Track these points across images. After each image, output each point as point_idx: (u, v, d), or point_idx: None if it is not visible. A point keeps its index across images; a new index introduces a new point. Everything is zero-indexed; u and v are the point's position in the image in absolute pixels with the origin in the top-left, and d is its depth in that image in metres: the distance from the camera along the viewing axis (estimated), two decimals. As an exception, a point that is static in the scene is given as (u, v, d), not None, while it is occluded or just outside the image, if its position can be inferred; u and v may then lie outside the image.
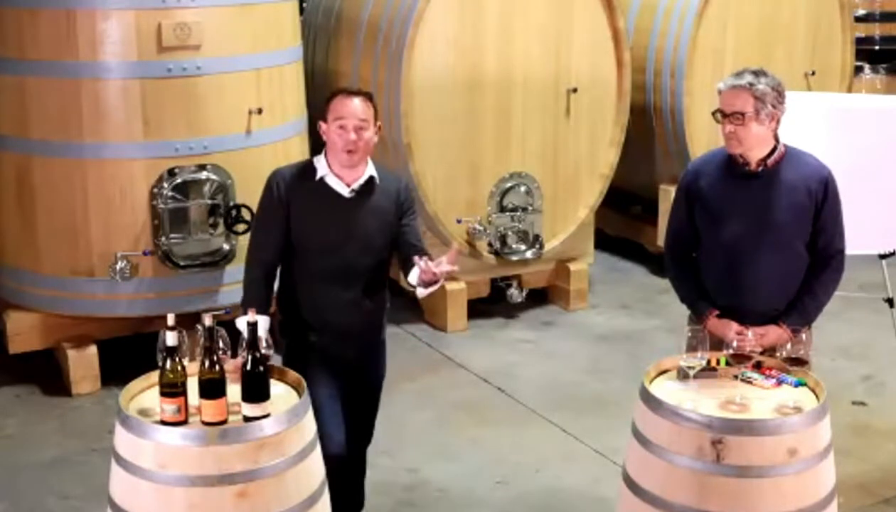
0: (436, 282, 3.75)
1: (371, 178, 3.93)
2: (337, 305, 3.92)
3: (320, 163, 3.93)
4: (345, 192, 3.89)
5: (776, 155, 3.93)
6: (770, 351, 3.84)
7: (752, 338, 3.77)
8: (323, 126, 3.90)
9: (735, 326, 3.89)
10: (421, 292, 3.84)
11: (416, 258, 3.78)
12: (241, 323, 3.44)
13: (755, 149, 3.89)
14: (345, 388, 4.06)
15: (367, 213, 3.92)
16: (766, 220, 3.92)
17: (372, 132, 3.87)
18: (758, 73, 3.84)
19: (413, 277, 3.86)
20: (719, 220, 3.98)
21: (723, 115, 3.86)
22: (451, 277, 6.65)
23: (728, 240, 3.96)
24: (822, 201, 3.92)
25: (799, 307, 3.98)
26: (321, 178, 3.90)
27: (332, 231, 3.88)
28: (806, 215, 3.93)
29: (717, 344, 3.80)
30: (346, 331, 3.95)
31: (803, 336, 3.77)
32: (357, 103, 3.84)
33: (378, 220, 3.94)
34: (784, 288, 3.99)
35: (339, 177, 3.89)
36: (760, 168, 3.93)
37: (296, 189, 3.91)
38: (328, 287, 3.91)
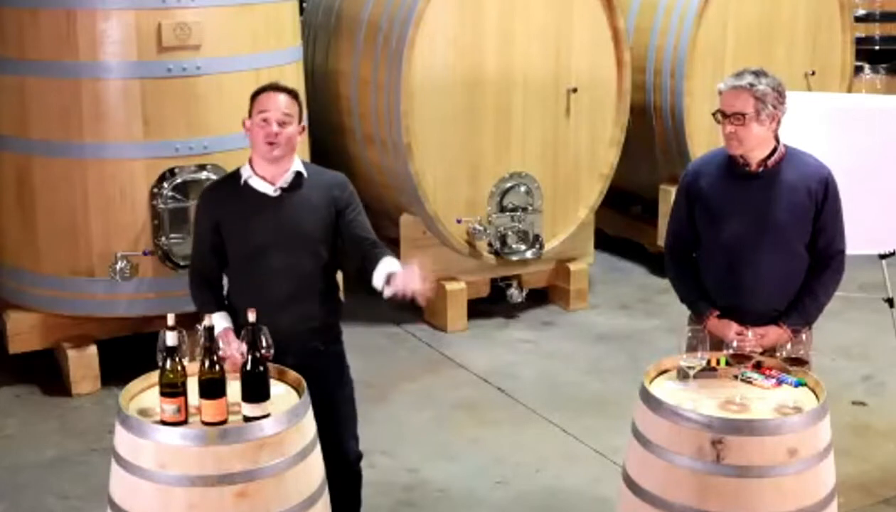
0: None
1: (298, 174, 3.87)
2: (272, 308, 3.64)
3: (245, 168, 3.90)
4: (269, 191, 3.84)
5: (776, 155, 3.93)
6: (770, 351, 3.84)
7: (752, 338, 3.77)
8: (247, 123, 3.87)
9: (735, 326, 3.89)
10: (387, 292, 3.70)
11: (395, 272, 3.65)
12: (205, 324, 3.34)
13: (756, 149, 3.89)
14: None
15: (298, 209, 3.84)
16: (766, 221, 3.92)
17: (295, 128, 3.82)
18: (758, 74, 3.84)
19: (378, 279, 3.72)
20: (719, 220, 3.98)
21: (723, 116, 3.85)
22: (451, 277, 6.68)
23: (728, 240, 3.96)
24: (822, 201, 3.92)
25: (799, 307, 3.97)
26: (245, 182, 3.86)
27: (259, 232, 3.82)
28: (806, 215, 3.93)
29: (717, 344, 3.81)
30: (280, 334, 3.60)
31: (803, 336, 3.77)
32: (281, 98, 3.81)
33: (311, 215, 3.85)
34: (784, 288, 3.99)
35: (263, 177, 3.85)
36: (761, 168, 3.93)
37: (221, 199, 3.90)
38: (260, 289, 3.79)
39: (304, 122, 3.92)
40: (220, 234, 3.87)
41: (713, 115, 3.93)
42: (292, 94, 3.88)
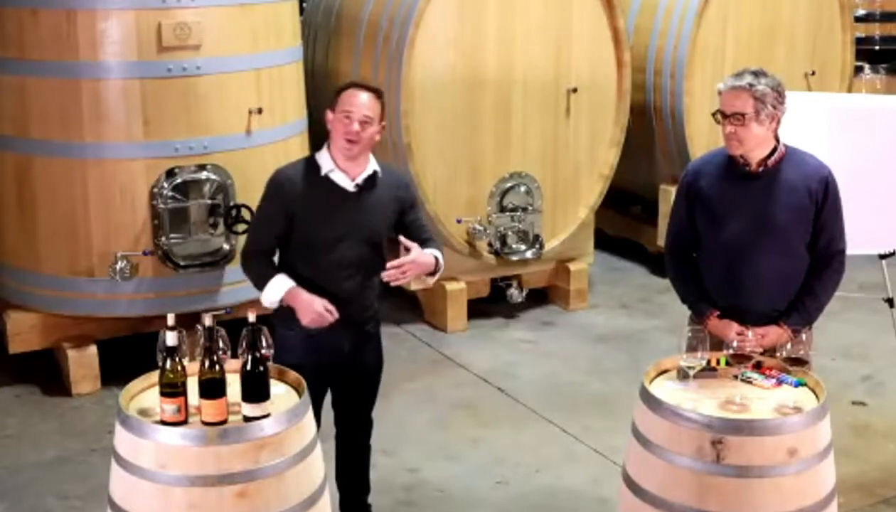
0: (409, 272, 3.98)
1: (374, 174, 3.99)
2: (336, 296, 3.94)
3: (323, 158, 3.96)
4: (349, 186, 3.94)
5: (776, 155, 3.93)
6: (770, 351, 3.84)
7: (752, 338, 3.77)
8: (330, 115, 3.95)
9: (735, 326, 3.89)
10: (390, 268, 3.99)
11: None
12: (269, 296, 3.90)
13: (755, 149, 3.89)
14: (337, 379, 4.14)
15: (370, 207, 3.98)
16: (766, 221, 3.91)
17: (375, 129, 3.91)
18: (757, 74, 3.84)
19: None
20: (719, 220, 3.98)
21: (723, 116, 3.85)
22: (451, 277, 6.68)
23: (728, 240, 3.96)
24: (822, 201, 3.92)
25: (799, 307, 3.97)
26: (326, 174, 3.94)
27: (337, 225, 3.93)
28: (806, 215, 3.93)
29: (717, 344, 3.81)
30: (342, 321, 3.96)
31: (803, 336, 3.77)
32: (365, 98, 3.90)
33: (380, 214, 4.02)
34: (784, 288, 3.98)
35: (344, 171, 3.94)
36: (761, 168, 3.92)
37: (300, 187, 3.96)
38: (328, 279, 3.95)
39: (386, 121, 4.03)
40: (290, 221, 3.94)
41: (713, 115, 3.93)
42: (377, 93, 3.95)
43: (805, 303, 3.98)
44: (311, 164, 4.00)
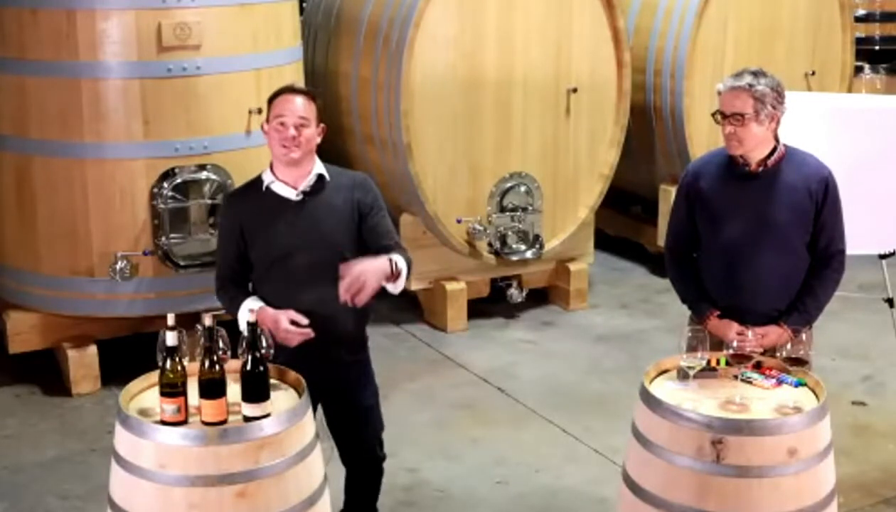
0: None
1: (320, 177, 3.87)
2: (298, 312, 3.73)
3: (266, 173, 3.89)
4: (291, 195, 3.83)
5: (776, 155, 3.93)
6: (770, 351, 3.84)
7: (752, 338, 3.77)
8: (265, 127, 3.86)
9: (736, 326, 3.89)
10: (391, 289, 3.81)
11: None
12: (242, 322, 3.49)
13: (755, 149, 3.89)
14: (325, 407, 4.01)
15: (321, 213, 3.84)
16: (766, 221, 3.92)
17: (313, 131, 3.81)
18: (757, 74, 3.84)
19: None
20: (719, 220, 3.98)
21: (723, 117, 3.85)
22: (451, 277, 6.68)
23: (728, 240, 3.96)
24: (822, 201, 3.92)
25: (800, 307, 3.98)
26: (267, 187, 3.85)
27: (285, 236, 3.81)
28: (806, 215, 3.93)
29: (717, 344, 3.81)
30: (308, 342, 3.72)
31: (803, 336, 3.77)
32: (298, 101, 3.79)
33: (334, 218, 3.85)
34: (784, 288, 3.99)
35: (285, 182, 3.84)
36: (760, 169, 3.93)
37: (245, 205, 3.90)
38: (290, 294, 3.78)
39: (323, 124, 3.90)
40: (245, 239, 3.87)
41: (713, 115, 3.93)
42: (309, 95, 3.86)
43: (805, 303, 3.98)
44: (255, 181, 3.91)
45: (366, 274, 3.63)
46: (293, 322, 3.71)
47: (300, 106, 3.79)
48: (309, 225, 3.82)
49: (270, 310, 3.73)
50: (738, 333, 3.82)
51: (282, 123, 3.77)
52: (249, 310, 3.65)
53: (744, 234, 3.94)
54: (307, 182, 3.84)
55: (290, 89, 3.89)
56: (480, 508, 4.76)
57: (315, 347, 3.75)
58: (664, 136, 7.45)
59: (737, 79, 3.84)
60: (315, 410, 3.81)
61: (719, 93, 3.88)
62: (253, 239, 3.85)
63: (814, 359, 3.81)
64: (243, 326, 3.52)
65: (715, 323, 3.96)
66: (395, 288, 3.83)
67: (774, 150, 3.93)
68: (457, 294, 6.70)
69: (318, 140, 3.87)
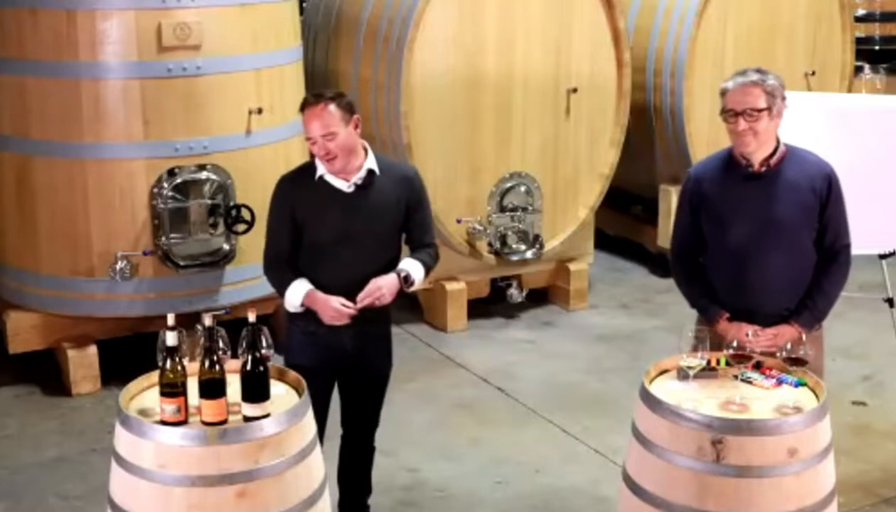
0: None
1: (370, 172, 3.96)
2: (345, 295, 3.92)
3: (320, 162, 3.96)
4: (344, 187, 3.94)
5: (778, 154, 3.92)
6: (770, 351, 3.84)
7: (766, 338, 3.78)
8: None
9: (747, 326, 3.88)
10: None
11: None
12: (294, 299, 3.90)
13: (762, 147, 3.87)
14: (345, 379, 4.14)
15: (371, 204, 3.96)
16: (772, 220, 3.90)
17: (345, 133, 3.84)
18: (761, 71, 3.84)
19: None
20: (725, 223, 3.96)
21: (734, 114, 3.83)
22: (451, 277, 6.68)
23: (735, 242, 3.94)
24: (826, 198, 3.91)
25: (809, 305, 3.96)
26: (321, 177, 3.95)
27: (337, 225, 3.93)
28: (812, 213, 3.92)
29: (717, 344, 3.80)
30: (344, 326, 3.95)
31: (803, 336, 3.77)
32: (318, 115, 3.82)
33: (382, 210, 3.99)
34: (793, 287, 3.97)
35: (336, 174, 3.94)
36: (763, 168, 3.91)
37: (299, 191, 3.99)
38: (336, 278, 3.94)
39: (358, 115, 3.93)
40: (296, 224, 3.97)
41: (721, 115, 3.90)
42: (328, 102, 3.84)
43: (815, 300, 3.96)
44: (309, 168, 4.02)
45: (381, 290, 3.93)
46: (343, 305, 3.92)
47: (321, 120, 3.82)
48: (359, 216, 3.95)
49: (320, 293, 3.91)
50: (754, 334, 3.81)
51: (312, 143, 3.86)
52: (302, 292, 3.92)
53: (750, 235, 3.92)
54: (358, 176, 3.95)
55: (310, 102, 3.88)
56: (480, 508, 4.76)
57: (354, 323, 3.95)
58: (664, 136, 7.45)
59: (745, 76, 3.83)
60: (329, 394, 4.09)
61: (726, 91, 3.85)
62: (305, 224, 3.96)
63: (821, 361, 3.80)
64: (291, 306, 3.94)
65: (725, 326, 3.95)
66: (408, 290, 4.10)
67: (776, 149, 3.93)
68: (457, 294, 6.70)
69: (357, 133, 3.92)
